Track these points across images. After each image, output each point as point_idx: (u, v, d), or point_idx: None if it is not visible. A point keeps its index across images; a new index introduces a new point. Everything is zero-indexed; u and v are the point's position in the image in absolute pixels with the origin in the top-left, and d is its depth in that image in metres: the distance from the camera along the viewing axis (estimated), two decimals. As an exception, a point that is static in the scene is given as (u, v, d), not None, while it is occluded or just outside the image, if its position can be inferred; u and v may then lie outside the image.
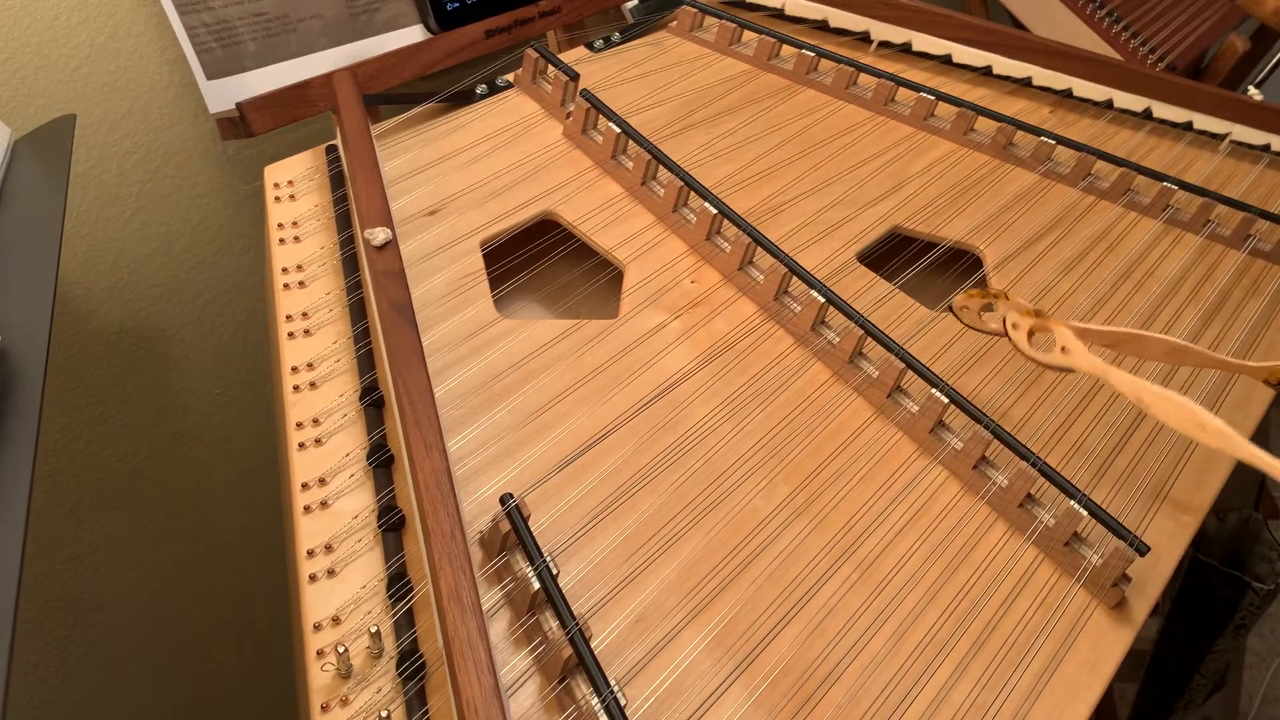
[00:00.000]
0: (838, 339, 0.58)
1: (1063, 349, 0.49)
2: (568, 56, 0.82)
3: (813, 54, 0.81)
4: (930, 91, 0.78)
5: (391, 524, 0.47)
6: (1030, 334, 0.51)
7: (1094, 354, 0.49)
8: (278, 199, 0.66)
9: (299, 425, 0.52)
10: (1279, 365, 0.48)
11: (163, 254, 0.86)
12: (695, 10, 0.86)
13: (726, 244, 0.63)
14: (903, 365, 0.55)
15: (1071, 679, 0.45)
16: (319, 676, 0.41)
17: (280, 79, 0.72)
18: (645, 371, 0.56)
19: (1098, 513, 0.48)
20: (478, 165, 0.69)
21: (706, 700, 0.42)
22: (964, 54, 0.87)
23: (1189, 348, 0.50)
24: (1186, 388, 0.61)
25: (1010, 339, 0.51)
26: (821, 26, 0.89)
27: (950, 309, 0.53)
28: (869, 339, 0.57)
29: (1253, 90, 0.89)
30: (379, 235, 0.58)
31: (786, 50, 0.83)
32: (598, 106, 0.69)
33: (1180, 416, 0.44)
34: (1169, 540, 0.52)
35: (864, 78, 0.81)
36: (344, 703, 0.41)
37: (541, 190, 0.67)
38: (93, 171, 0.80)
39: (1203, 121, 0.85)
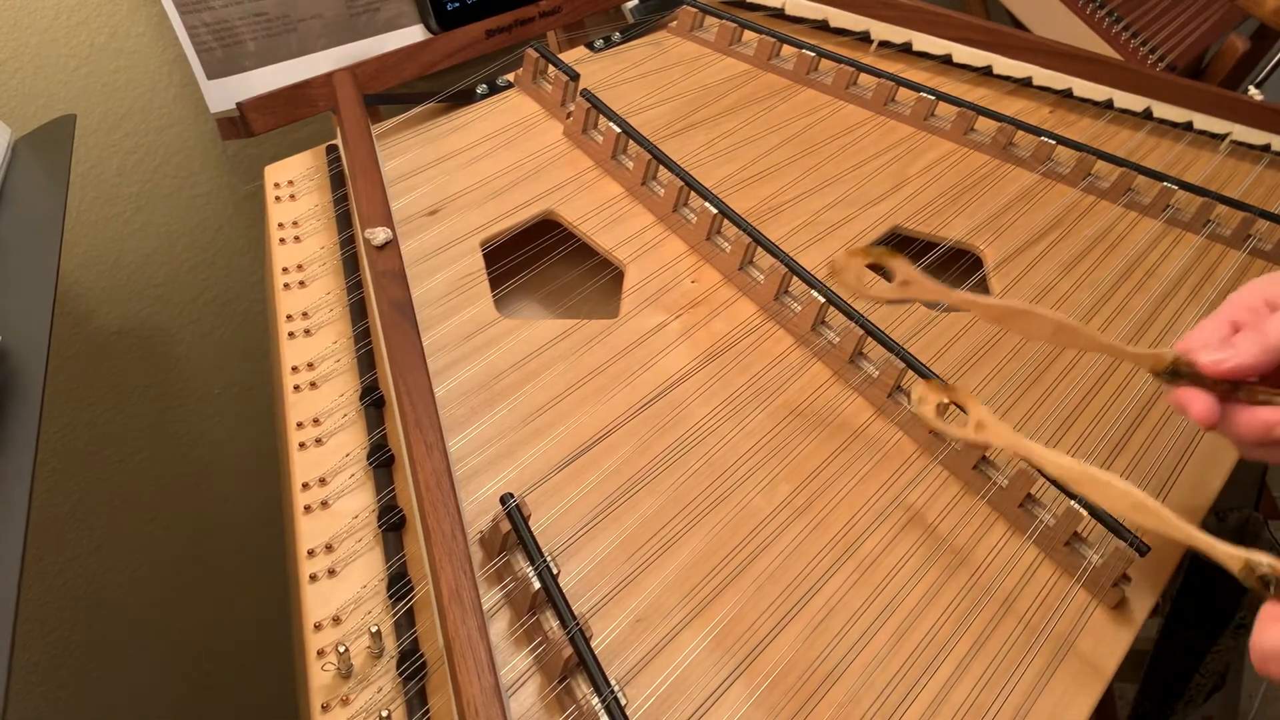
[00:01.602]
0: (838, 339, 0.58)
1: (977, 425, 0.48)
2: (568, 56, 0.82)
3: (813, 54, 0.81)
4: (930, 91, 0.78)
5: (392, 524, 0.47)
6: (943, 409, 0.50)
7: (1008, 428, 0.47)
8: (278, 199, 0.66)
9: (299, 425, 0.52)
10: (1164, 354, 0.46)
11: (163, 254, 0.86)
12: (695, 10, 0.86)
13: (726, 244, 0.63)
14: (903, 365, 0.55)
15: (1071, 679, 0.45)
16: (319, 676, 0.41)
17: (280, 79, 0.72)
18: (645, 371, 0.56)
19: (1098, 513, 0.48)
20: (478, 165, 0.69)
21: (707, 700, 0.42)
22: (964, 54, 0.87)
23: (1077, 328, 0.48)
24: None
25: (917, 413, 0.50)
26: (821, 26, 0.89)
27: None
28: (869, 339, 0.57)
29: (1253, 90, 0.89)
30: (379, 235, 0.58)
31: (786, 50, 0.83)
32: (598, 106, 0.69)
33: (1115, 496, 0.43)
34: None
35: (864, 78, 0.81)
36: (344, 702, 0.41)
37: (541, 190, 0.67)
38: (93, 171, 0.80)
39: (1203, 121, 0.85)
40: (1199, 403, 0.44)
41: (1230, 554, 0.40)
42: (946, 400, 0.50)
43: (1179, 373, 0.45)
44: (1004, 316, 0.50)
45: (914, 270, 0.51)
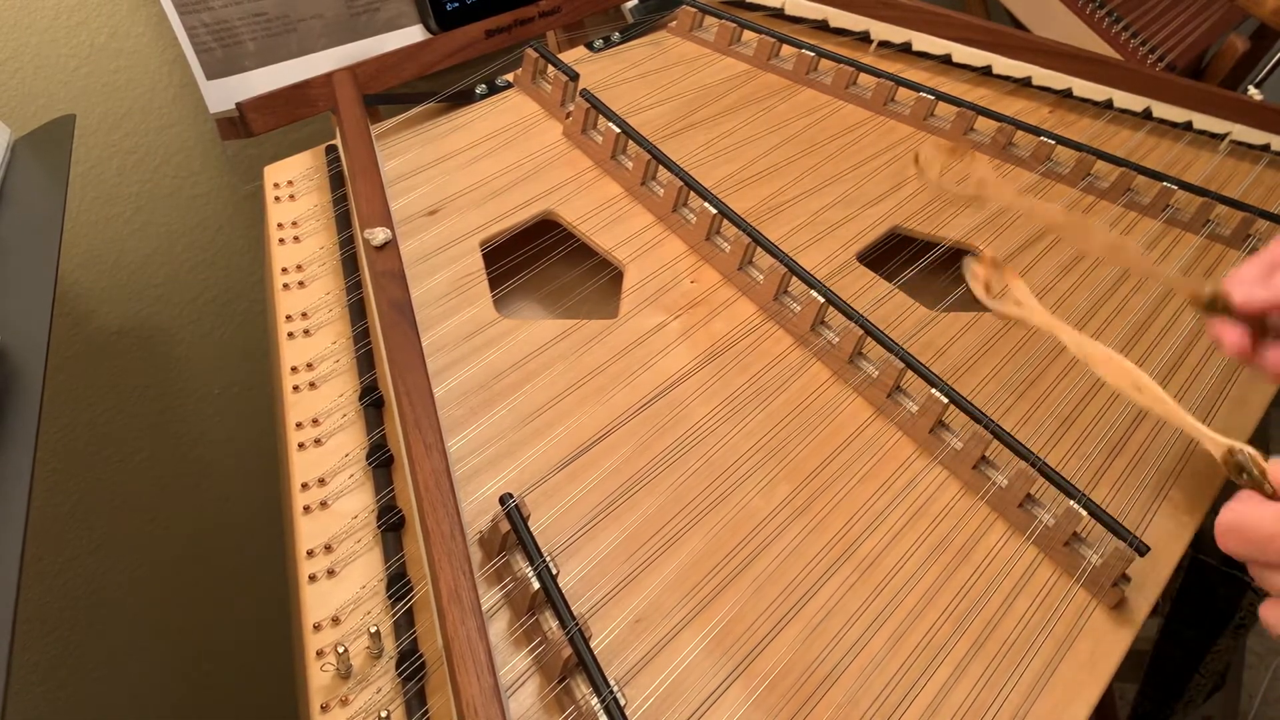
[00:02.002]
0: (838, 339, 0.58)
1: (1017, 302, 0.51)
2: (568, 56, 0.82)
3: (813, 54, 0.81)
4: (930, 91, 0.78)
5: (391, 524, 0.47)
6: (987, 285, 0.53)
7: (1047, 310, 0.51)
8: (277, 199, 0.66)
9: (299, 425, 0.52)
10: (1202, 287, 0.50)
11: (163, 254, 0.86)
12: (695, 10, 0.86)
13: (726, 244, 0.63)
14: (903, 365, 0.55)
15: (1071, 679, 0.45)
16: (319, 676, 0.41)
17: (280, 79, 0.72)
18: (645, 371, 0.56)
19: (1098, 513, 0.48)
20: (478, 165, 0.69)
21: (706, 700, 0.42)
22: (964, 54, 0.87)
23: (1130, 249, 0.54)
24: (1188, 384, 0.61)
25: (968, 283, 0.53)
26: (821, 26, 0.89)
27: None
28: (869, 339, 0.57)
29: (1253, 90, 0.89)
30: (379, 235, 0.58)
31: (786, 50, 0.83)
32: (598, 106, 0.69)
33: (1120, 373, 0.47)
34: (1169, 540, 0.52)
35: (864, 78, 0.81)
36: (344, 703, 0.41)
37: (541, 190, 0.67)
38: (93, 171, 0.80)
39: (1203, 121, 0.85)
40: (1231, 334, 0.48)
41: (1215, 441, 0.43)
42: (996, 272, 0.52)
43: (1215, 306, 0.49)
44: (1064, 226, 0.55)
45: (991, 172, 0.56)
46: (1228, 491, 0.57)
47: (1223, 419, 0.60)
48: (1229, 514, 0.41)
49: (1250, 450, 0.42)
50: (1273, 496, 0.41)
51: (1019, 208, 0.55)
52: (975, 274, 0.52)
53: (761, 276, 0.61)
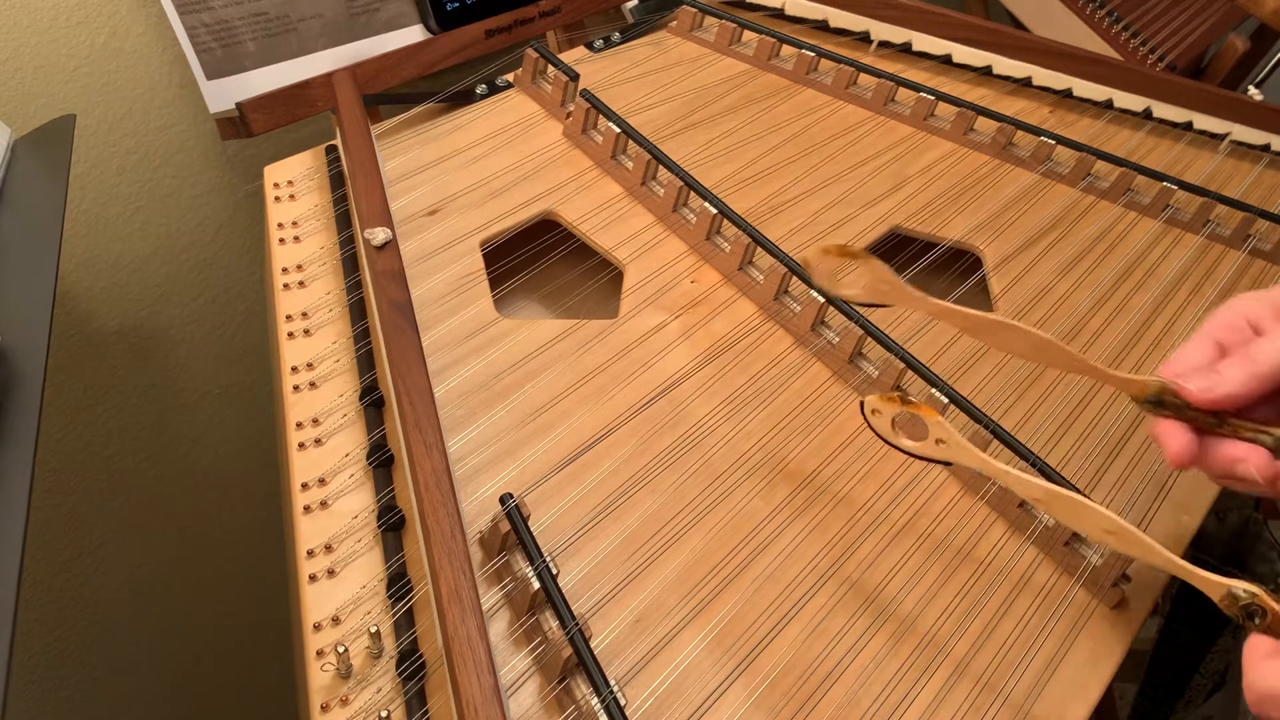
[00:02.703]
0: (838, 339, 0.58)
1: (938, 441, 0.44)
2: (568, 56, 0.82)
3: (813, 54, 0.81)
4: (930, 91, 0.78)
5: (391, 524, 0.47)
6: (897, 422, 0.46)
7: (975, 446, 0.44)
8: (278, 199, 0.66)
9: (299, 425, 0.52)
10: (1148, 381, 0.42)
11: (163, 254, 0.86)
12: (695, 10, 0.86)
13: (726, 244, 0.63)
14: (903, 365, 0.55)
15: (1071, 679, 0.45)
16: (319, 676, 0.41)
17: (280, 79, 0.72)
18: (645, 371, 0.56)
19: (1098, 513, 0.48)
20: (478, 165, 0.69)
21: (706, 700, 0.42)
22: (964, 54, 0.87)
23: (1059, 346, 0.44)
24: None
25: (870, 427, 0.46)
26: (821, 26, 0.89)
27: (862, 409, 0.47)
28: (869, 339, 0.57)
29: (1253, 90, 0.89)
30: (379, 235, 0.58)
31: (786, 50, 0.83)
32: (598, 106, 0.69)
33: (1087, 520, 0.41)
34: (1169, 540, 0.52)
35: (864, 78, 0.81)
36: (344, 703, 0.41)
37: (541, 190, 0.67)
38: (93, 171, 0.80)
39: (1203, 121, 0.85)
40: (1176, 443, 0.42)
41: (1210, 581, 0.38)
42: (904, 411, 0.45)
43: (1163, 402, 0.42)
44: (983, 329, 0.47)
45: (889, 274, 0.48)
46: (1228, 492, 0.57)
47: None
48: (1265, 681, 0.35)
49: (1253, 589, 0.37)
50: None
51: (931, 311, 0.47)
52: (877, 410, 0.46)
53: (762, 276, 0.61)
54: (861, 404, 0.46)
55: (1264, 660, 0.35)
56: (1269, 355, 0.41)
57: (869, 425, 0.46)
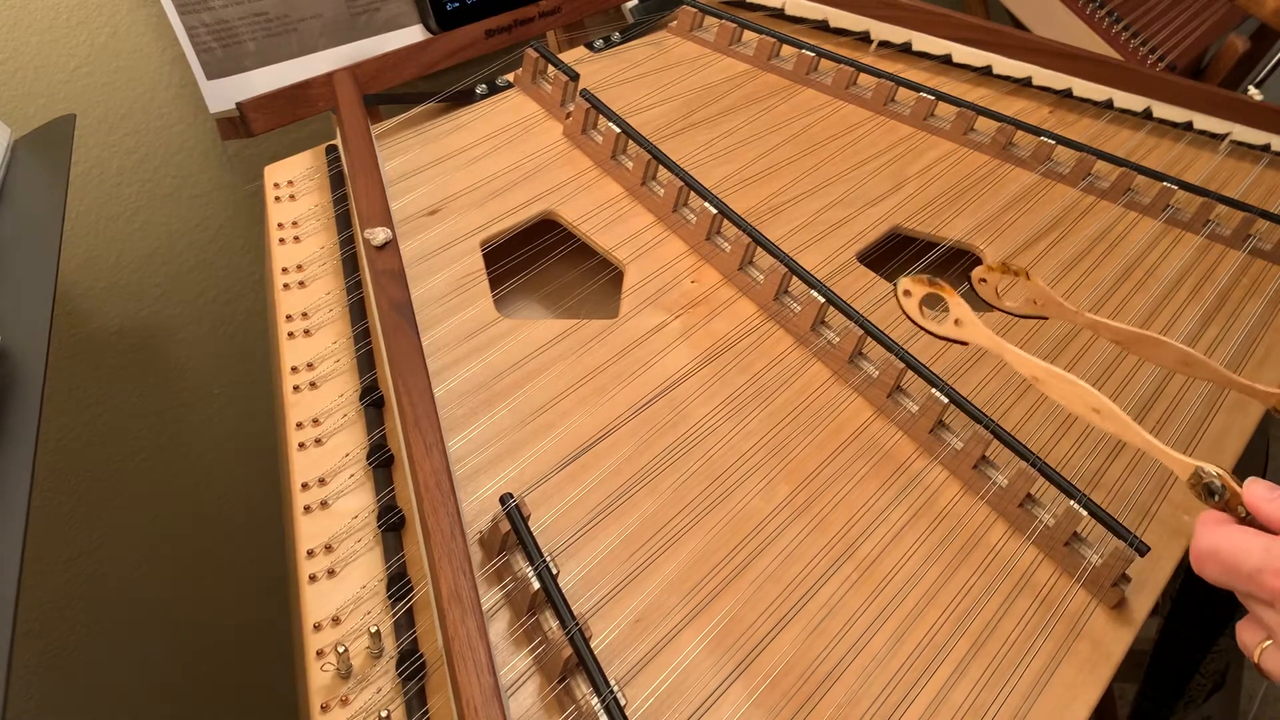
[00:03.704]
0: (838, 339, 0.58)
1: (956, 321, 0.49)
2: (568, 56, 0.82)
3: (813, 54, 0.81)
4: (930, 91, 0.78)
5: (391, 524, 0.47)
6: (924, 304, 0.51)
7: (993, 329, 0.49)
8: (278, 199, 0.66)
9: (299, 425, 0.52)
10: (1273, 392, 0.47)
11: (163, 254, 0.86)
12: (695, 10, 0.86)
13: (726, 244, 0.63)
14: (903, 365, 0.55)
15: (1071, 679, 0.45)
16: (319, 676, 0.41)
17: (280, 79, 0.72)
18: (645, 371, 0.56)
19: (1098, 513, 0.48)
20: (478, 165, 0.69)
21: (706, 700, 0.42)
22: (964, 54, 0.87)
23: (1201, 360, 0.49)
24: (1189, 384, 0.61)
25: (900, 305, 0.51)
26: (821, 26, 0.89)
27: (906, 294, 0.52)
28: (869, 339, 0.57)
29: (1253, 90, 0.89)
30: (379, 235, 0.58)
31: (786, 50, 0.83)
32: (598, 106, 0.69)
33: (1075, 397, 0.45)
34: (1169, 540, 0.52)
35: (864, 78, 0.81)
36: (344, 703, 0.41)
37: (541, 190, 0.67)
38: (93, 171, 0.80)
39: (1203, 121, 0.85)
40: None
41: (1180, 462, 0.42)
42: (930, 292, 0.50)
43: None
44: (1131, 341, 0.51)
45: (1045, 290, 0.52)
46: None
47: (1222, 419, 0.60)
48: (1206, 539, 0.39)
49: (1218, 470, 0.40)
50: (1245, 520, 0.40)
51: (1084, 324, 0.53)
52: (909, 291, 0.50)
53: (762, 276, 0.61)
54: (895, 284, 0.51)
55: (1210, 524, 0.40)
56: None
57: (900, 305, 0.51)
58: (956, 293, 0.49)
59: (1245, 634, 0.40)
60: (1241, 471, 0.47)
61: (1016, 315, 0.55)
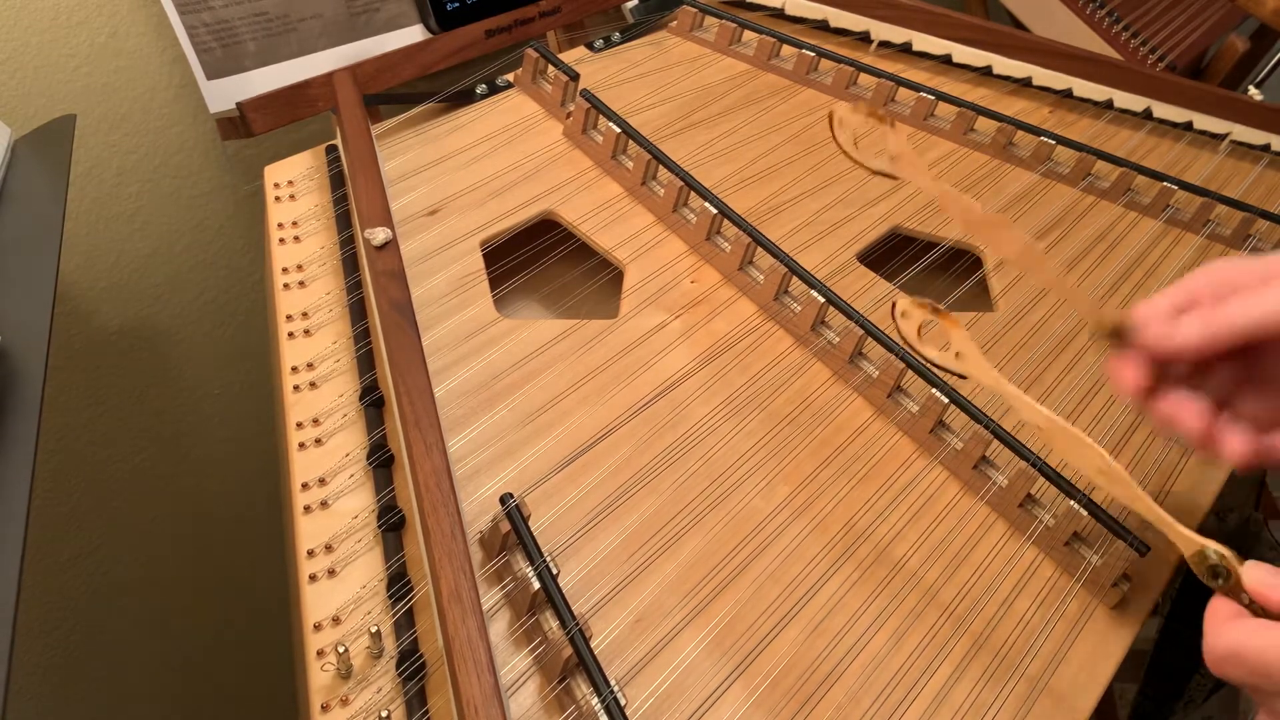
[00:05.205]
0: (838, 339, 0.58)
1: (957, 354, 0.46)
2: (568, 56, 0.82)
3: (813, 54, 0.81)
4: (930, 91, 0.78)
5: (391, 524, 0.47)
6: (922, 329, 0.48)
7: (991, 364, 0.46)
8: (278, 199, 0.66)
9: (299, 425, 0.52)
10: (1112, 316, 0.43)
11: (163, 254, 0.86)
12: (695, 10, 0.86)
13: (726, 244, 0.63)
14: (903, 365, 0.55)
15: (1071, 679, 0.45)
16: (319, 676, 0.41)
17: (280, 79, 0.72)
18: (645, 371, 0.56)
19: (1098, 513, 0.48)
20: (478, 165, 0.69)
21: (706, 700, 0.42)
22: (964, 54, 0.87)
23: (1042, 258, 0.47)
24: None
25: (897, 328, 0.48)
26: (821, 26, 0.89)
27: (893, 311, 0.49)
28: (869, 339, 0.57)
29: (1253, 90, 0.89)
30: (379, 235, 0.58)
31: (786, 50, 0.83)
32: (598, 106, 0.69)
33: (1081, 455, 0.42)
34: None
35: (864, 78, 0.81)
36: (344, 703, 0.41)
37: (541, 190, 0.67)
38: (93, 171, 0.80)
39: (1203, 121, 0.85)
40: (1131, 373, 0.43)
41: (1185, 537, 0.39)
42: (931, 319, 0.47)
43: (1120, 339, 0.43)
44: (980, 225, 0.49)
45: (905, 145, 0.50)
46: (1228, 492, 0.57)
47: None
48: (1224, 640, 0.36)
49: (1222, 550, 0.38)
50: (1251, 606, 0.37)
51: (930, 192, 0.50)
52: (906, 314, 0.47)
53: (762, 276, 0.61)
54: (893, 305, 0.48)
55: (1225, 622, 0.36)
56: (1230, 316, 0.40)
57: (897, 327, 0.48)
58: (957, 322, 0.46)
59: None
60: (1236, 480, 0.47)
61: (878, 173, 0.52)
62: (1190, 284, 0.43)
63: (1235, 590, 0.37)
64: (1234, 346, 0.41)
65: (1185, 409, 0.42)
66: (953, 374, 0.47)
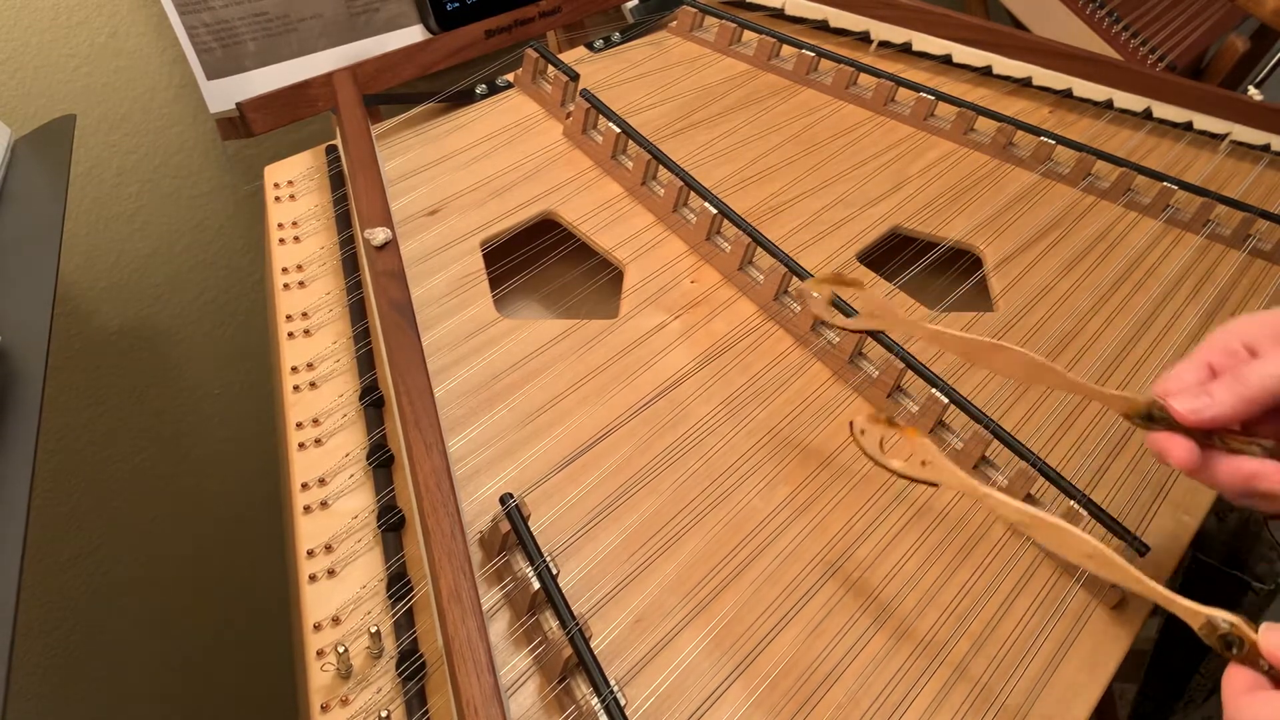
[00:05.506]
0: (837, 339, 0.58)
1: (923, 463, 0.44)
2: (568, 56, 0.82)
3: (813, 54, 0.81)
4: (930, 91, 0.78)
5: (391, 524, 0.47)
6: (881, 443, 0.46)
7: (962, 470, 0.44)
8: (278, 199, 0.66)
9: (299, 425, 0.52)
10: (1138, 398, 0.43)
11: (163, 254, 0.86)
12: (695, 10, 0.86)
13: (726, 244, 0.63)
14: (903, 365, 0.55)
15: (1071, 679, 0.45)
16: (319, 676, 0.41)
17: (280, 79, 0.72)
18: (645, 371, 0.56)
19: (1098, 513, 0.48)
20: (478, 165, 0.69)
21: (706, 700, 0.42)
22: (964, 54, 0.87)
23: (1049, 367, 0.46)
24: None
25: (859, 446, 0.46)
26: (821, 26, 0.89)
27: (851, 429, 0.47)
28: (869, 339, 0.57)
29: (1253, 90, 0.89)
30: (379, 235, 0.58)
31: (786, 50, 0.83)
32: (598, 106, 0.69)
33: (1064, 543, 0.41)
34: (1169, 540, 0.52)
35: (864, 78, 0.81)
36: (344, 703, 0.41)
37: (541, 190, 0.67)
38: (93, 171, 0.80)
39: (1203, 121, 0.85)
40: (1179, 449, 0.42)
41: (1190, 610, 0.38)
42: (891, 433, 0.46)
43: (1154, 417, 0.43)
44: (973, 351, 0.49)
45: (881, 301, 0.50)
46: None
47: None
48: (1244, 716, 0.34)
49: (1232, 618, 0.37)
50: (1270, 673, 0.35)
51: (923, 336, 0.50)
52: (864, 430, 0.46)
53: (762, 276, 0.61)
54: (850, 424, 0.47)
55: (1242, 695, 0.35)
56: (1259, 378, 0.41)
57: (857, 444, 0.47)
58: (918, 431, 0.45)
59: None
60: (1237, 509, 0.46)
61: (859, 331, 0.53)
62: (1205, 353, 0.43)
63: (1251, 658, 0.36)
64: (1270, 406, 0.41)
65: (1265, 468, 0.41)
66: (924, 483, 0.45)
